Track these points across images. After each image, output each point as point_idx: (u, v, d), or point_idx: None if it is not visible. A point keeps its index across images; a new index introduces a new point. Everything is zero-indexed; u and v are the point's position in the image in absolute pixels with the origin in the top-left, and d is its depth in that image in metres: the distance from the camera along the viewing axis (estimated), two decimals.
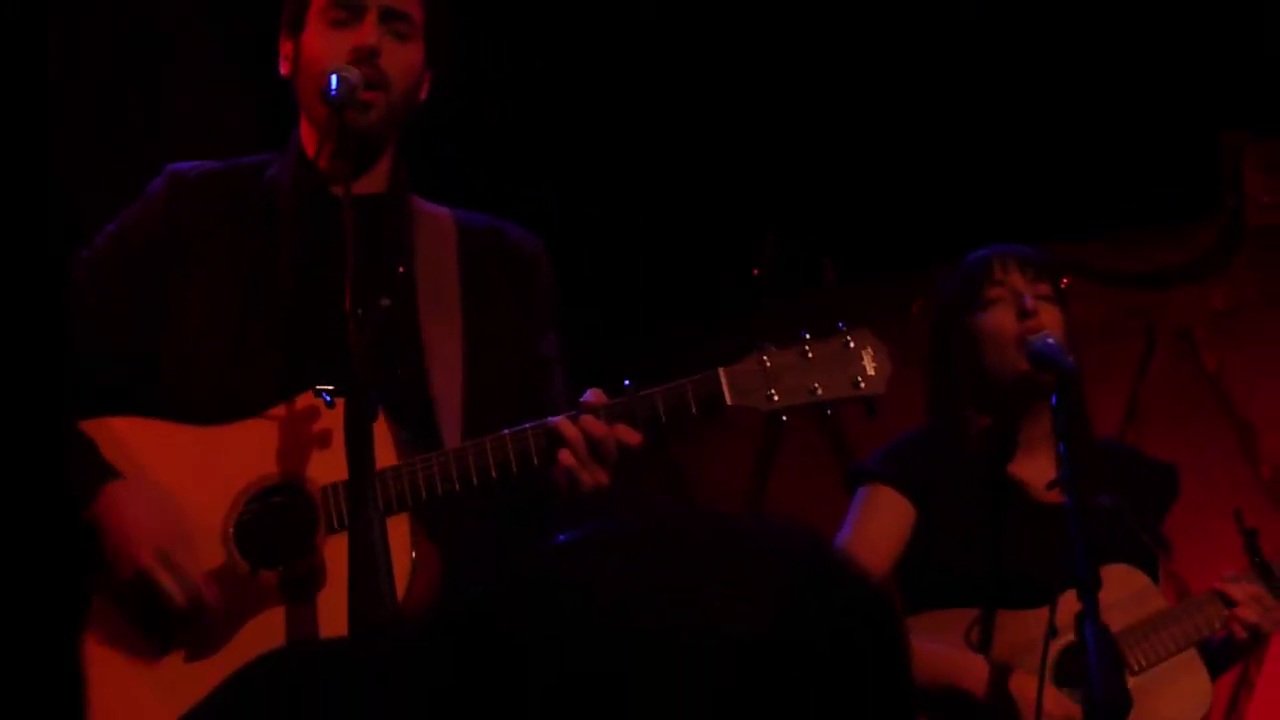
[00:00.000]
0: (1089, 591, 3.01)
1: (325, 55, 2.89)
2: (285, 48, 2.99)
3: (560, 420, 2.75)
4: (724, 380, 2.77)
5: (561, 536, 1.23)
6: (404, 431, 2.78)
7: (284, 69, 3.00)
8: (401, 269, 2.72)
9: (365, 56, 2.87)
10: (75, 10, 4.12)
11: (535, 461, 2.75)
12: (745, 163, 5.46)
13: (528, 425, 2.76)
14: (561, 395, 2.97)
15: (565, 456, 2.73)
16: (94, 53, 4.25)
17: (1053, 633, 3.12)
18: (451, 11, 3.05)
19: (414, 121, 3.02)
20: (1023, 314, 3.43)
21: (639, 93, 5.31)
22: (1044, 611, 3.16)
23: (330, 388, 2.71)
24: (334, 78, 2.78)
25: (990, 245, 3.58)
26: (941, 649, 3.34)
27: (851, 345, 2.81)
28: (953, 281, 3.56)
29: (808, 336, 2.81)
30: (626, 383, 2.78)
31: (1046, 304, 3.48)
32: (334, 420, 2.75)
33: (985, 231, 3.71)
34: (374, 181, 2.98)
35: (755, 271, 5.49)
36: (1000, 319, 3.46)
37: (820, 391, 2.79)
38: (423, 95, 3.01)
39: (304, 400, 2.80)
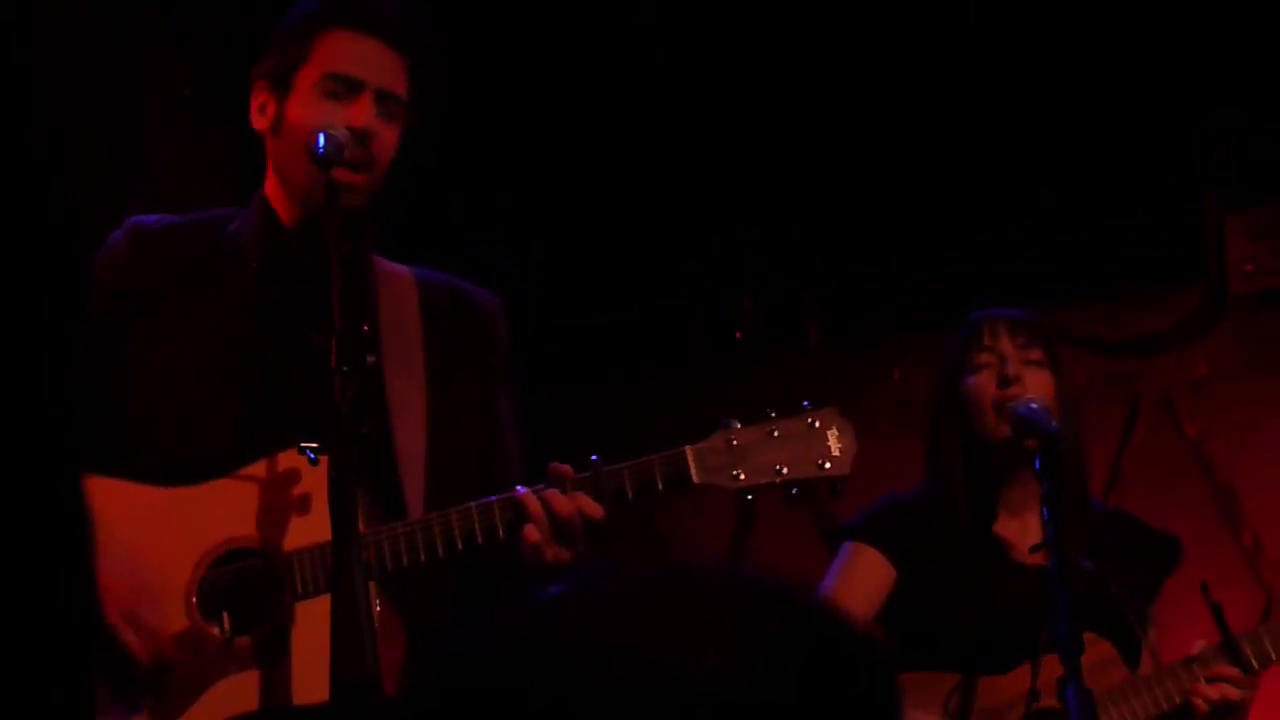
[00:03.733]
0: (1071, 656, 3.00)
1: (316, 128, 2.80)
2: (262, 100, 2.91)
3: (525, 494, 2.74)
4: (690, 459, 2.77)
5: (541, 592, 1.22)
6: (368, 495, 2.75)
7: (258, 123, 2.92)
8: (366, 327, 2.71)
9: (360, 138, 2.82)
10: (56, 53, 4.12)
11: (501, 535, 2.75)
12: (731, 223, 5.47)
13: (493, 498, 2.76)
14: (515, 455, 2.98)
15: (530, 532, 2.73)
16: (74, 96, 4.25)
17: (1035, 697, 3.10)
18: (433, 82, 2.99)
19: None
20: (1003, 381, 3.44)
21: (622, 139, 5.32)
22: (1020, 673, 3.14)
23: (314, 445, 2.68)
24: (322, 136, 2.74)
25: (987, 309, 3.59)
26: None
27: (817, 425, 2.79)
28: (950, 345, 3.58)
29: (773, 414, 2.81)
30: (594, 457, 2.77)
31: (1035, 369, 3.48)
32: (310, 482, 2.74)
33: (968, 297, 3.72)
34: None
35: (738, 335, 5.50)
36: (982, 384, 3.47)
37: (785, 471, 2.78)
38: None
39: (284, 459, 2.78)
